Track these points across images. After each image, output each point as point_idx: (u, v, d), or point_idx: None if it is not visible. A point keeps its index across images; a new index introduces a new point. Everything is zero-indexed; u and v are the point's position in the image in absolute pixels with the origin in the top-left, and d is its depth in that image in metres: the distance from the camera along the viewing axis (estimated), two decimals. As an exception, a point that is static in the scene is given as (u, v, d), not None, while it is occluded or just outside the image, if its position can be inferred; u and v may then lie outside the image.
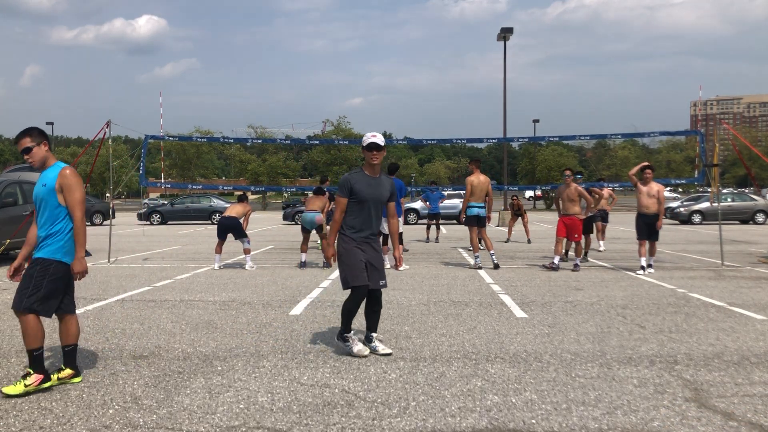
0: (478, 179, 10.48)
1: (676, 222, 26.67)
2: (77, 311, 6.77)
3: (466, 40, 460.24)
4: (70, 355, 4.24)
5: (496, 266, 10.39)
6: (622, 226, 23.68)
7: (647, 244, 10.02)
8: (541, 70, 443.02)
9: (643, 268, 9.93)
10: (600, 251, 13.64)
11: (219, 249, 10.84)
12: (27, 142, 4.13)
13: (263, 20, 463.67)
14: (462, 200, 11.94)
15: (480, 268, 10.34)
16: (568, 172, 10.66)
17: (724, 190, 36.11)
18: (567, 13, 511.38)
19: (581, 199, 10.44)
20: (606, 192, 14.58)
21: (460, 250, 14.14)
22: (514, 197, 17.45)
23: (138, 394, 3.99)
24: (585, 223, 12.23)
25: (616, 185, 15.33)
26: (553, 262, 10.26)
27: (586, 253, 11.99)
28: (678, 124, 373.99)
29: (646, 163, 10.35)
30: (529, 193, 64.27)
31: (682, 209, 26.81)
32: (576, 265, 10.34)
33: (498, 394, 3.99)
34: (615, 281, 9.06)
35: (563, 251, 10.45)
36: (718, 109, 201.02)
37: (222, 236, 10.80)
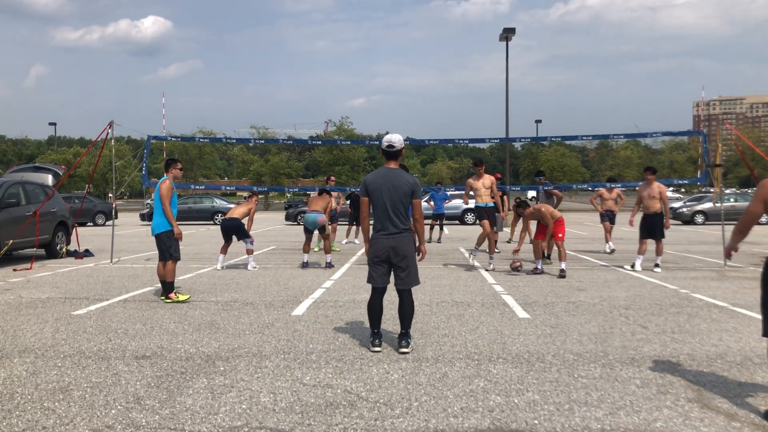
0: (480, 182, 10.46)
1: (679, 222, 26.61)
2: (80, 311, 6.82)
3: (469, 40, 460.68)
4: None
5: (492, 269, 10.35)
6: (624, 226, 23.59)
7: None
8: (544, 70, 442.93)
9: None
10: (608, 252, 13.60)
11: (224, 250, 10.82)
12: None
13: (266, 22, 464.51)
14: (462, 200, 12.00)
15: (473, 267, 10.29)
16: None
17: (727, 191, 36.06)
18: (569, 14, 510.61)
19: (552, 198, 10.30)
20: (615, 193, 14.48)
21: (463, 250, 14.14)
22: (518, 199, 17.41)
23: (141, 395, 4.00)
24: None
25: (619, 185, 15.26)
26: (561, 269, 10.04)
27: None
28: (681, 124, 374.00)
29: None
30: (531, 194, 64.13)
31: (684, 209, 26.74)
32: (540, 264, 10.26)
33: (500, 395, 3.99)
34: (617, 282, 9.05)
35: (546, 252, 10.43)
36: (720, 109, 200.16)
37: (227, 238, 10.75)
